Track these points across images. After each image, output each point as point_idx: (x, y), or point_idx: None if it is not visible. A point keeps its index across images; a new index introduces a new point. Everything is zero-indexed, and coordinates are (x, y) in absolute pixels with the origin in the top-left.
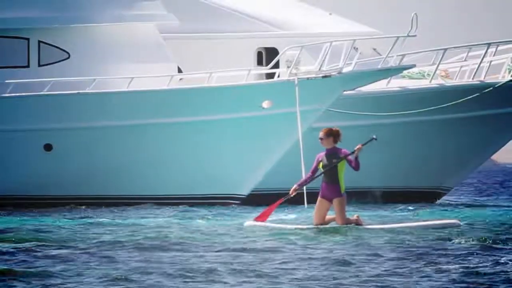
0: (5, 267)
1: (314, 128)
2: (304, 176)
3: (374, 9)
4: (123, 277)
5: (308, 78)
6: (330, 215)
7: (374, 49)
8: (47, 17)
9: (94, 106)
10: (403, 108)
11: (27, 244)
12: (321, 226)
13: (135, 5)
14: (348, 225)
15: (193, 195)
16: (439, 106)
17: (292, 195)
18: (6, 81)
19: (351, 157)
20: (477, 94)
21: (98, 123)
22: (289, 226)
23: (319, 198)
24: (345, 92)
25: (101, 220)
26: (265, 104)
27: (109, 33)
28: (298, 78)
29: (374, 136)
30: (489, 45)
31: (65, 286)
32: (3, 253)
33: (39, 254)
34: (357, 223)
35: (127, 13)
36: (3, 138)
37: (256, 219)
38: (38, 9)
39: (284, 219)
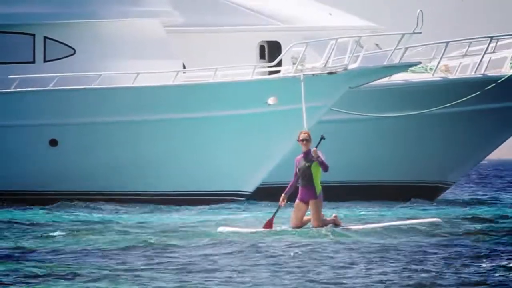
0: (9, 262)
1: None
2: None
3: (375, 3)
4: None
5: (313, 75)
6: (307, 216)
7: (377, 45)
8: (52, 13)
9: (99, 101)
10: (405, 101)
11: (30, 240)
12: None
13: (140, 1)
14: (325, 227)
15: (198, 191)
16: (444, 106)
17: (283, 206)
18: (12, 76)
19: (322, 159)
20: (480, 91)
21: (103, 119)
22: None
23: (296, 201)
24: None
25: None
26: (271, 100)
27: (114, 29)
28: (304, 75)
29: (322, 135)
30: (491, 38)
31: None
32: (6, 249)
33: (42, 249)
34: (335, 223)
35: (132, 9)
36: (8, 133)
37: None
38: (44, 5)
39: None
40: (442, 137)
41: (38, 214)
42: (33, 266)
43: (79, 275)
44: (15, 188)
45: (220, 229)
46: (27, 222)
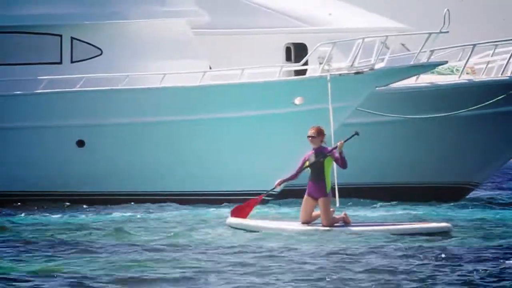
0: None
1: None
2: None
3: (377, 3)
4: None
5: (340, 75)
6: (317, 211)
7: (403, 45)
8: (79, 13)
9: (127, 102)
10: (432, 103)
11: (57, 240)
12: (306, 227)
13: (166, 1)
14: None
15: (225, 191)
16: (471, 108)
17: (275, 189)
18: (39, 77)
19: (336, 154)
20: (506, 93)
21: (130, 120)
22: (270, 225)
23: (305, 196)
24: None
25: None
26: (297, 100)
27: (141, 30)
28: (331, 75)
29: (356, 131)
30: None
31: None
32: (30, 248)
33: (74, 249)
34: (344, 221)
35: (159, 10)
36: (35, 134)
37: (234, 215)
38: (71, 5)
39: (267, 214)
40: (468, 138)
41: (64, 215)
42: (64, 265)
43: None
44: (42, 189)
45: (229, 220)
46: (55, 223)
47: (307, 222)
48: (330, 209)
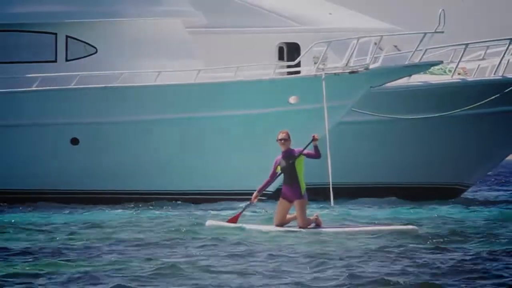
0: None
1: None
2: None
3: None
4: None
5: (335, 74)
6: (291, 214)
7: (395, 46)
8: (74, 12)
9: (121, 100)
10: (424, 103)
11: (52, 240)
12: (281, 228)
13: (162, 0)
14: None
15: (220, 190)
16: (463, 109)
17: (254, 202)
18: (34, 75)
19: (308, 150)
20: (499, 93)
21: (124, 118)
22: (249, 227)
23: (280, 198)
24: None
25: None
26: (292, 99)
27: (136, 28)
28: (325, 74)
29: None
30: (510, 40)
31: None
32: (28, 248)
33: (63, 248)
34: (316, 222)
35: (154, 9)
36: (30, 132)
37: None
38: (66, 4)
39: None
40: (460, 138)
41: (58, 213)
42: (58, 264)
43: (85, 270)
44: (37, 187)
45: (208, 223)
46: (49, 222)
47: (281, 224)
48: (306, 211)
